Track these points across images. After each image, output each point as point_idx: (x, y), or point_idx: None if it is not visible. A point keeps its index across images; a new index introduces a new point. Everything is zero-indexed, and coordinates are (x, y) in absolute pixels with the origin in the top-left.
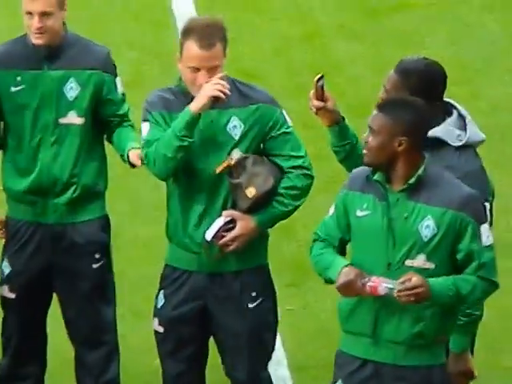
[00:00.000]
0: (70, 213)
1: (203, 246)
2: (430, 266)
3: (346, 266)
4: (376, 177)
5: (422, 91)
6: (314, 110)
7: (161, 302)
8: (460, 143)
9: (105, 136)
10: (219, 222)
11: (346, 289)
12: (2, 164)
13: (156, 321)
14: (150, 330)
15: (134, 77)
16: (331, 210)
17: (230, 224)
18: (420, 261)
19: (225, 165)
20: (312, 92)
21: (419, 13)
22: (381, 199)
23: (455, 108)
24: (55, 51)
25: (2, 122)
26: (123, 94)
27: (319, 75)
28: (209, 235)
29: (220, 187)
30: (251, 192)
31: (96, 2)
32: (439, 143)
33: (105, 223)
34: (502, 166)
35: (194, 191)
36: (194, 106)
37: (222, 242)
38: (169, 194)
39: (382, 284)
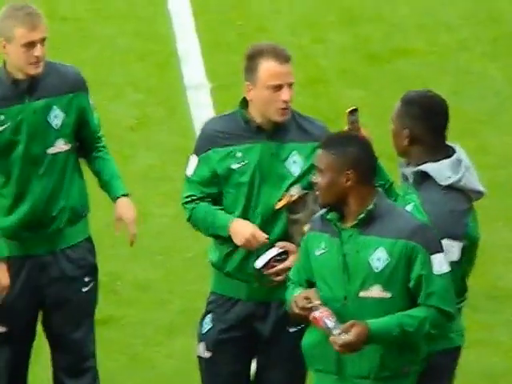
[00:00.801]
0: (58, 240)
1: (254, 274)
2: (386, 295)
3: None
4: (329, 216)
5: (422, 119)
6: None
7: (207, 326)
8: (447, 183)
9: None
10: (272, 252)
11: (295, 314)
12: None
13: (202, 346)
14: (147, 376)
15: (138, 119)
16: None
17: (283, 255)
18: (376, 291)
19: (286, 201)
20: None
21: (421, 59)
22: (335, 236)
23: (456, 153)
24: (34, 81)
25: None
26: (94, 109)
27: (352, 108)
28: (259, 263)
29: (275, 220)
30: None
31: (99, 44)
32: (428, 179)
33: (90, 244)
34: None
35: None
36: (234, 236)
37: (271, 271)
38: None
39: (323, 319)
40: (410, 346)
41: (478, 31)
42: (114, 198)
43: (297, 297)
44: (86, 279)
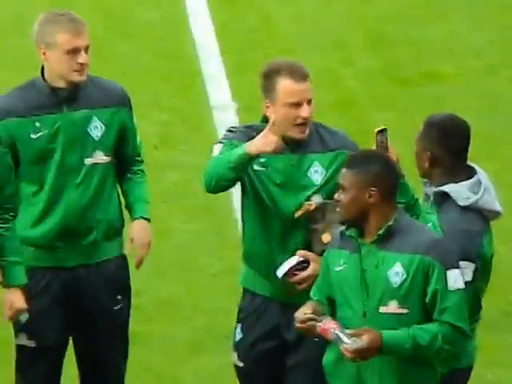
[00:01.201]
0: (93, 253)
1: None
2: (403, 311)
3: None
4: (348, 232)
5: (441, 142)
6: None
7: (238, 336)
8: (466, 203)
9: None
10: (292, 261)
11: (302, 328)
12: None
13: (235, 355)
14: None
15: (162, 138)
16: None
17: (303, 264)
18: (392, 307)
19: (304, 210)
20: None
21: (448, 82)
22: (354, 252)
23: (476, 174)
24: (74, 91)
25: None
26: (136, 129)
27: (380, 127)
28: (280, 272)
29: (295, 228)
30: (326, 238)
31: (122, 63)
32: (448, 199)
33: (125, 262)
34: None
35: (270, 231)
36: (254, 149)
37: (292, 280)
38: (244, 231)
39: (331, 330)
40: (426, 363)
41: (505, 56)
42: (133, 219)
43: (297, 312)
44: (119, 297)
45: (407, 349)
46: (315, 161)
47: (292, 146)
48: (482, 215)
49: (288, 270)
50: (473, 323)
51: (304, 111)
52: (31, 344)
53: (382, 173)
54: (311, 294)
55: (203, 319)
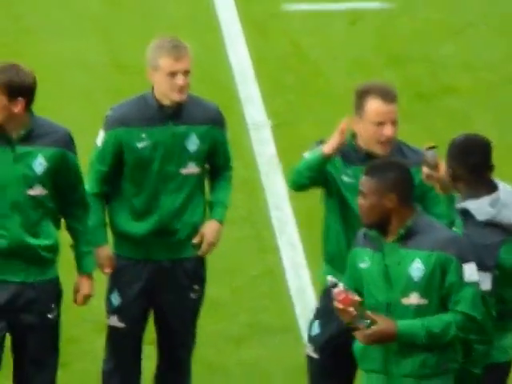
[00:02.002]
0: (178, 250)
1: None
2: (424, 302)
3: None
4: (371, 233)
5: (458, 158)
6: (425, 177)
7: (316, 330)
8: (484, 218)
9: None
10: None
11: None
12: (113, 208)
13: (310, 347)
14: (221, 381)
15: None
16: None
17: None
18: (414, 298)
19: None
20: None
21: (466, 95)
22: (377, 250)
23: (498, 190)
24: (179, 108)
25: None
26: (227, 143)
27: (429, 145)
28: (332, 280)
29: None
30: None
31: None
32: (469, 214)
33: (202, 259)
34: None
35: (353, 234)
36: (325, 148)
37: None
38: (327, 234)
39: (351, 306)
40: (449, 344)
41: None
42: (210, 218)
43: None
44: (196, 287)
45: (422, 336)
46: None
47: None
48: (502, 228)
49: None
50: (501, 324)
51: (387, 130)
52: (121, 325)
53: (399, 180)
54: None
55: (246, 316)
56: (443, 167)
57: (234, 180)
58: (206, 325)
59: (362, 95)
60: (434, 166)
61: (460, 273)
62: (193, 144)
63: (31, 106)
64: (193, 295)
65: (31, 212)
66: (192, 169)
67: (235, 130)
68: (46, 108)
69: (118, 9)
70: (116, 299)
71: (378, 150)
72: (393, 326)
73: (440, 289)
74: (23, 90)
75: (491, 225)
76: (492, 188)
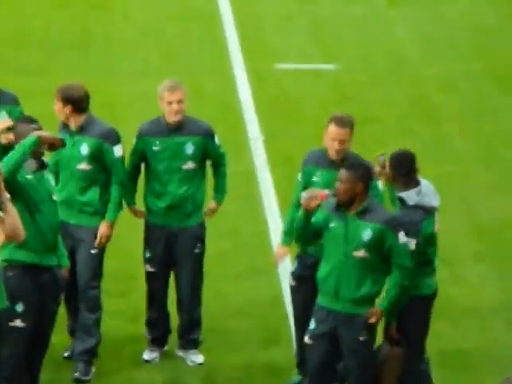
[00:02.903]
0: (187, 220)
1: None
2: (367, 255)
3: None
4: (340, 207)
5: (394, 167)
6: (377, 173)
7: (295, 266)
8: (413, 203)
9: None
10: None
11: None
12: (145, 190)
13: (291, 279)
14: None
15: None
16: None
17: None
18: (361, 252)
19: None
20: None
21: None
22: (342, 219)
23: (420, 183)
24: (178, 125)
25: (143, 164)
26: (217, 147)
27: (381, 153)
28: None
29: None
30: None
31: None
32: (403, 200)
33: (203, 226)
34: None
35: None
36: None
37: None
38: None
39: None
40: (375, 278)
41: None
42: (213, 199)
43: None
44: (199, 244)
45: (395, 300)
46: None
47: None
48: (424, 209)
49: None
50: (427, 266)
51: (337, 145)
52: (152, 270)
53: (365, 174)
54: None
55: (244, 260)
56: (386, 171)
57: (238, 174)
58: (213, 267)
59: (328, 121)
60: (383, 167)
61: (396, 238)
62: (189, 149)
63: (80, 109)
64: (197, 250)
65: (81, 180)
66: (190, 165)
67: (240, 140)
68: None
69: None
70: (148, 253)
71: (333, 156)
72: (379, 311)
73: (380, 248)
74: (71, 100)
75: (417, 207)
76: (416, 183)
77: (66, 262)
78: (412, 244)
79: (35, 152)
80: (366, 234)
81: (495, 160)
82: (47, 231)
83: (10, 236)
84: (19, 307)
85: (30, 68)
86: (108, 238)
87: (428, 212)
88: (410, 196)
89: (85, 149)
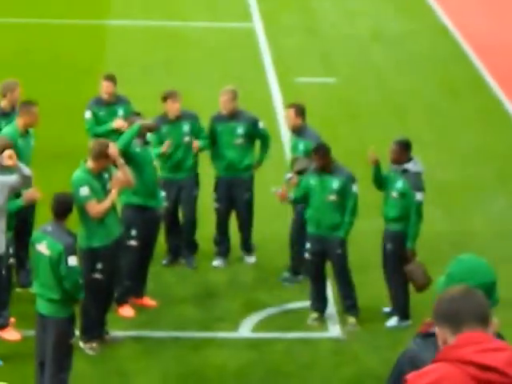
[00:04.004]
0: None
1: None
2: (337, 198)
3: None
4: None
5: (403, 148)
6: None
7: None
8: (414, 170)
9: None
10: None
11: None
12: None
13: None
14: None
15: None
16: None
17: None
18: (332, 197)
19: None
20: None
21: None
22: (319, 177)
23: (413, 159)
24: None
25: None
26: (263, 129)
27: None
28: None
29: None
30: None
31: None
32: (407, 170)
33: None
34: None
35: None
36: None
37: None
38: None
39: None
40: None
41: None
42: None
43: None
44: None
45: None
46: None
47: None
48: (419, 173)
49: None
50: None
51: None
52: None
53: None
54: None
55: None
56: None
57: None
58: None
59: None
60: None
61: (352, 191)
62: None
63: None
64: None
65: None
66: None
67: (273, 130)
68: None
69: None
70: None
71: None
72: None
73: (345, 194)
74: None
75: (416, 172)
76: (410, 158)
77: (162, 203)
78: (422, 196)
79: (140, 134)
80: (335, 185)
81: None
82: (149, 184)
83: (125, 183)
84: (133, 232)
85: None
86: None
87: (421, 174)
88: (412, 166)
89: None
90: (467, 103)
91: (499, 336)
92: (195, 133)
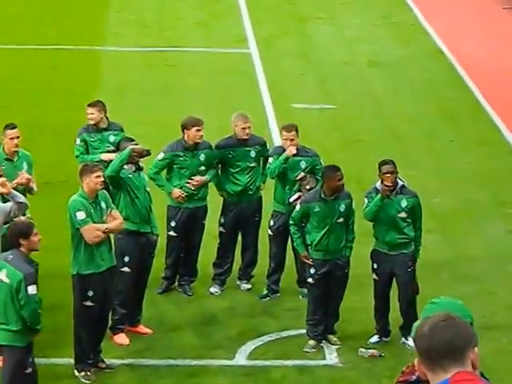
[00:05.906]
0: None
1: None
2: (342, 220)
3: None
4: (323, 195)
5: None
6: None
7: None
8: (406, 185)
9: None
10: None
11: None
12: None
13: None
14: None
15: None
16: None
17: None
18: (340, 220)
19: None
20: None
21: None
22: (324, 203)
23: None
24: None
25: None
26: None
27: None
28: (291, 199)
29: None
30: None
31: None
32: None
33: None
34: None
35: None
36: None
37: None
38: None
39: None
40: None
41: None
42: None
43: None
44: (203, 222)
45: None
46: None
47: None
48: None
49: (297, 198)
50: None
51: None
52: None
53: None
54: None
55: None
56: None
57: None
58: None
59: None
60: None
61: (353, 208)
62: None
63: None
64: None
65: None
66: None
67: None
68: None
69: None
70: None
71: (290, 152)
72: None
73: (350, 218)
74: None
75: (405, 187)
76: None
77: (157, 231)
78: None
79: (131, 159)
80: (344, 209)
81: None
82: (142, 209)
83: (118, 229)
84: (126, 258)
85: None
86: None
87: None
88: (404, 181)
89: None
90: (465, 128)
91: (482, 375)
92: (209, 162)
